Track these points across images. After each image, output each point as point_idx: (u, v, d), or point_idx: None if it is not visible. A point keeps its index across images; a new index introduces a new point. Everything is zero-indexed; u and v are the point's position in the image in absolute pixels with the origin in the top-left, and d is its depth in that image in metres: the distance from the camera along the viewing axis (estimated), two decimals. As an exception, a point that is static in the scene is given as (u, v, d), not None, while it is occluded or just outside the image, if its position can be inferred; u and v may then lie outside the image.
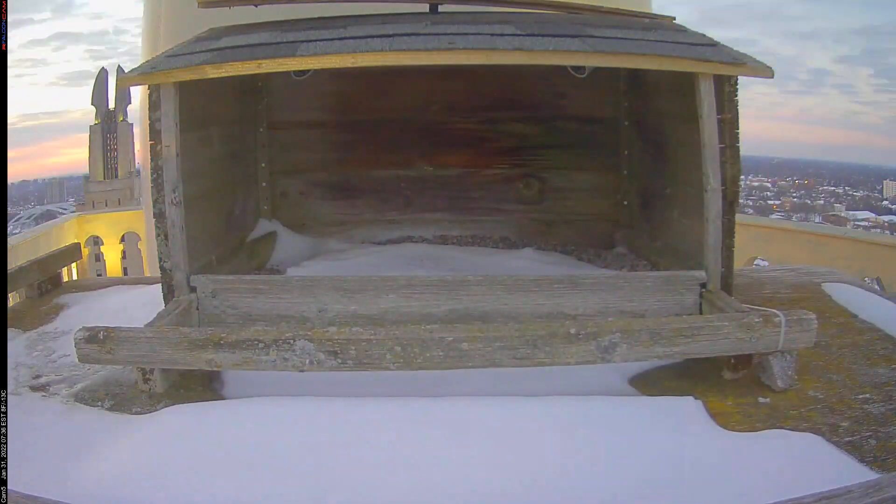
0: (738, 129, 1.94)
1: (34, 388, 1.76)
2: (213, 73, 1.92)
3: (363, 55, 1.90)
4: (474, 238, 3.07)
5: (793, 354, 1.65)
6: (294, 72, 2.50)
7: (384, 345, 1.56)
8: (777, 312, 1.62)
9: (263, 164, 2.98)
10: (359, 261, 2.70)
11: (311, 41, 1.99)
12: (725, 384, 1.69)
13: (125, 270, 6.26)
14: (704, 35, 2.23)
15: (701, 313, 1.92)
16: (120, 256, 6.35)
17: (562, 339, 1.58)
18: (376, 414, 1.51)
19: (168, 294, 1.97)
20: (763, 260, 4.98)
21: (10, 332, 2.16)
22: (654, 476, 1.31)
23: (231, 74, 2.04)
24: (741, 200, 2.04)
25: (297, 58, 1.88)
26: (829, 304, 2.23)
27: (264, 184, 2.99)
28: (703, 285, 1.95)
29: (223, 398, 1.67)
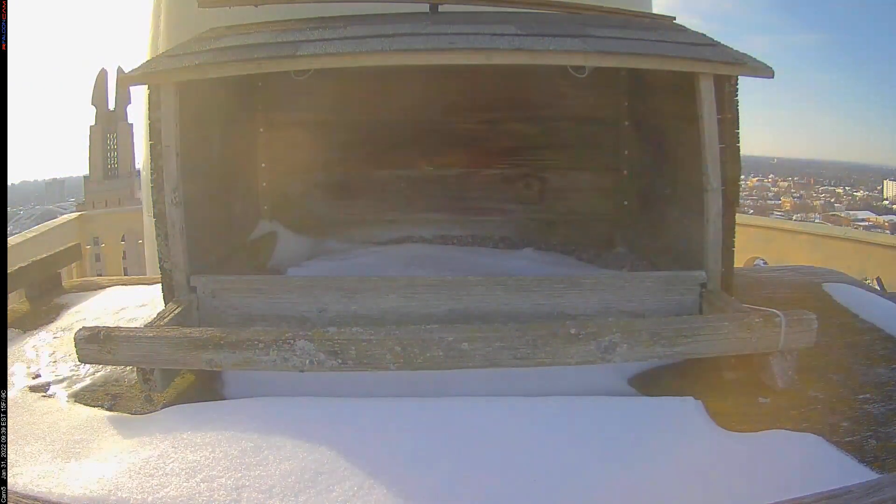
0: (738, 129, 1.94)
1: (34, 389, 1.76)
2: (213, 73, 1.92)
3: (363, 55, 1.90)
4: (474, 238, 3.06)
5: (793, 354, 1.65)
6: (294, 72, 2.50)
7: (384, 345, 1.56)
8: (777, 312, 1.62)
9: (263, 164, 2.98)
10: (359, 261, 2.70)
11: (311, 41, 1.99)
12: (725, 384, 1.69)
13: (125, 270, 6.25)
14: (705, 35, 2.23)
15: (701, 313, 1.92)
16: (120, 256, 6.35)
17: (562, 339, 1.58)
18: (376, 414, 1.51)
19: (168, 294, 1.97)
20: (763, 260, 4.98)
21: (10, 332, 2.16)
22: (654, 476, 1.31)
23: (231, 74, 2.04)
24: (741, 200, 2.04)
25: (297, 58, 1.87)
26: (829, 304, 2.23)
27: (264, 184, 2.99)
28: (703, 285, 1.95)
29: (223, 398, 1.67)
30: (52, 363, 1.91)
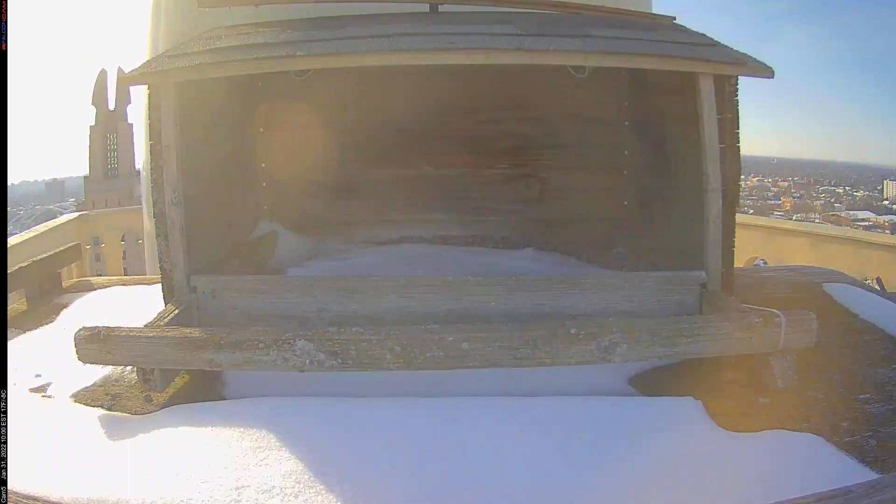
0: (738, 128, 1.94)
1: (34, 389, 1.76)
2: (213, 73, 1.92)
3: (363, 55, 1.90)
4: (474, 238, 3.06)
5: (793, 354, 1.65)
6: (294, 72, 2.50)
7: (384, 345, 1.56)
8: (777, 312, 1.62)
9: (263, 164, 2.98)
10: (359, 261, 2.70)
11: (311, 41, 1.98)
12: (725, 384, 1.69)
13: (125, 270, 6.25)
14: (705, 35, 2.23)
15: (701, 313, 1.92)
16: (120, 256, 6.34)
17: (562, 339, 1.58)
18: (376, 414, 1.51)
19: (168, 294, 1.97)
20: (763, 260, 4.98)
21: (10, 332, 2.16)
22: (654, 476, 1.31)
23: (231, 74, 2.04)
24: (741, 200, 2.04)
25: (297, 58, 1.87)
26: (829, 304, 2.23)
27: (264, 184, 2.98)
28: (704, 285, 1.95)
29: (223, 398, 1.67)
30: (51, 363, 1.91)
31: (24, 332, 2.19)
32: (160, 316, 1.81)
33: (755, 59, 1.92)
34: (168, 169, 1.90)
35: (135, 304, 2.33)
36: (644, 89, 2.76)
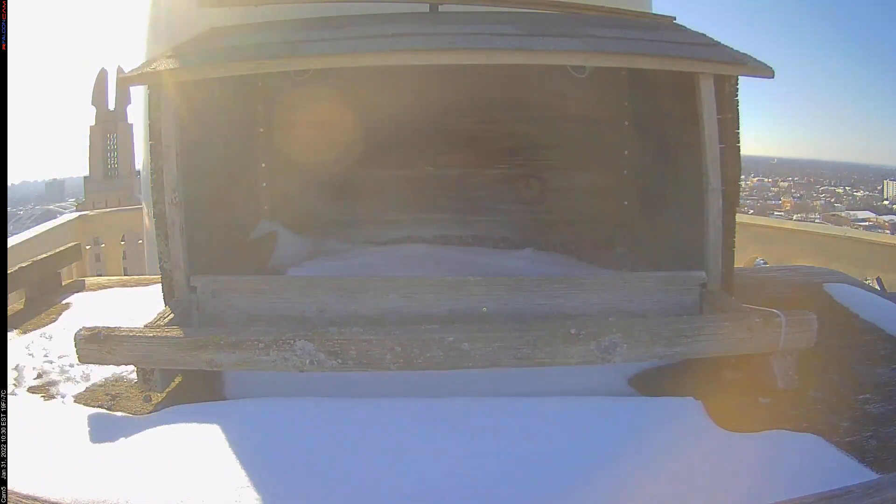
0: (738, 128, 1.94)
1: (34, 389, 1.76)
2: (213, 72, 1.92)
3: (363, 55, 1.90)
4: (474, 238, 3.06)
5: (793, 354, 1.65)
6: (294, 72, 2.50)
7: (384, 345, 1.56)
8: (777, 312, 1.62)
9: (263, 164, 2.98)
10: (359, 261, 2.70)
11: (311, 41, 1.99)
12: (725, 384, 1.69)
13: (125, 270, 6.24)
14: (705, 35, 2.23)
15: (701, 313, 1.92)
16: (120, 256, 6.34)
17: (562, 340, 1.58)
18: (377, 414, 1.51)
19: (168, 294, 1.97)
20: (763, 260, 4.98)
21: (10, 333, 2.16)
22: (654, 476, 1.31)
23: (231, 74, 2.04)
24: (741, 200, 2.04)
25: (297, 58, 1.88)
26: (829, 305, 2.23)
27: (264, 184, 2.99)
28: (704, 285, 1.95)
29: (223, 398, 1.67)
30: (51, 363, 1.91)
31: (24, 332, 2.19)
32: (160, 316, 1.81)
33: (755, 58, 1.92)
34: (168, 169, 1.90)
35: (135, 304, 2.33)
36: (644, 89, 2.76)
